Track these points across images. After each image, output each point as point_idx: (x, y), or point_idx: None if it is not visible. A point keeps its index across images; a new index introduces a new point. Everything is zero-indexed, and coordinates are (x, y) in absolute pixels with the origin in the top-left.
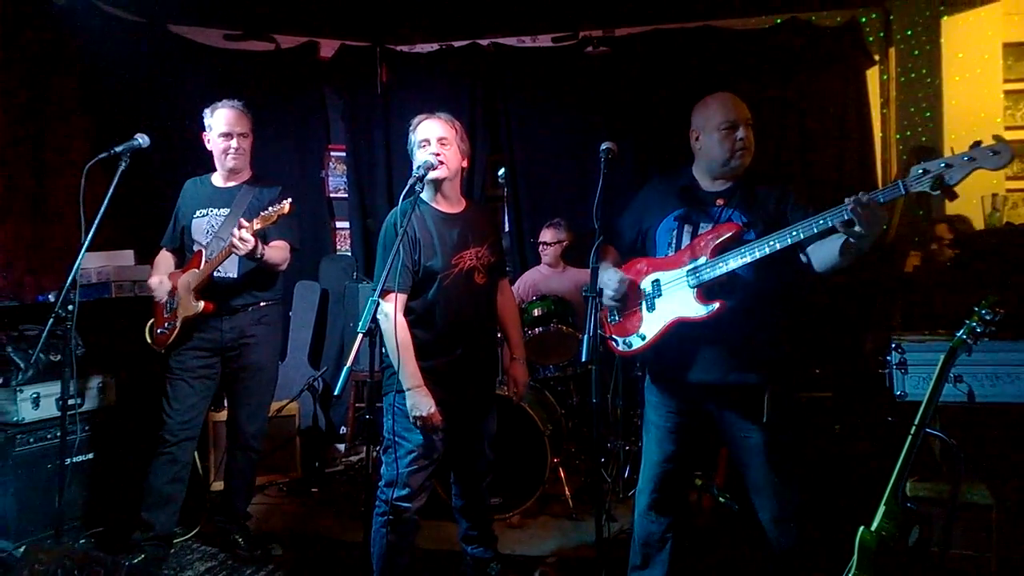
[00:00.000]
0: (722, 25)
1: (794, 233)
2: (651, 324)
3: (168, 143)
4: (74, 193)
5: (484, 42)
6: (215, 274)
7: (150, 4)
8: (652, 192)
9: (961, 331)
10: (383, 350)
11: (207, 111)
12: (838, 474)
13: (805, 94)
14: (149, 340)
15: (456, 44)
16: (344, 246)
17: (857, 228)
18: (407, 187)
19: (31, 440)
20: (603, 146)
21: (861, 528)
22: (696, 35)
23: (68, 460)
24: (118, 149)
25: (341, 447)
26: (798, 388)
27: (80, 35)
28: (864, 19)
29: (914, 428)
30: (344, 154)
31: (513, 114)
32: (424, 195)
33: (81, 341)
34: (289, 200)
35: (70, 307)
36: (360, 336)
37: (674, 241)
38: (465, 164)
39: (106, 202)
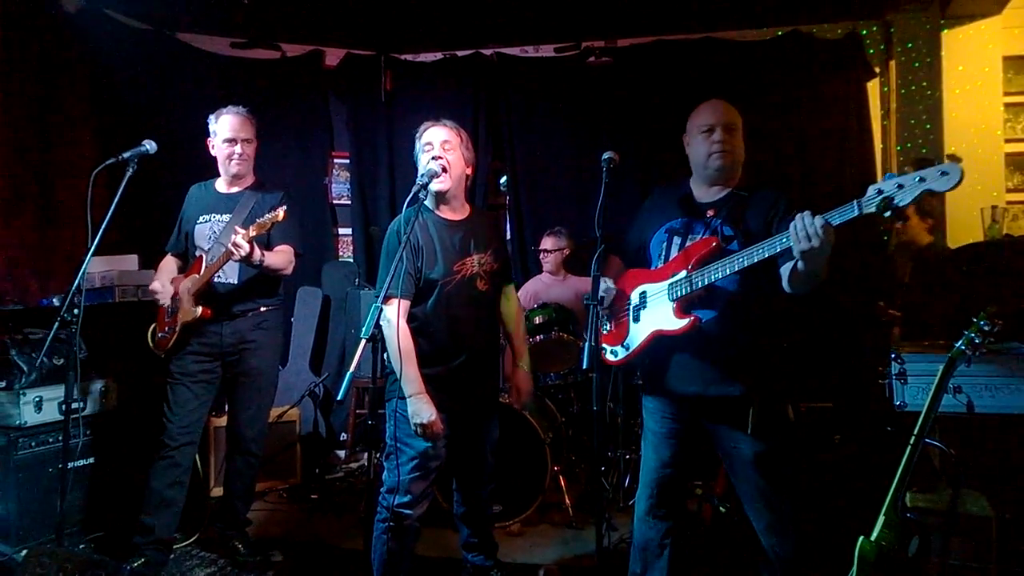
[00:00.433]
0: (723, 37)
1: (759, 251)
2: (635, 335)
3: (174, 149)
4: (80, 198)
5: (487, 52)
6: (215, 279)
7: (158, 12)
8: (652, 203)
9: (960, 342)
10: (385, 356)
11: (212, 117)
12: (837, 484)
13: (806, 106)
14: (151, 344)
15: (460, 53)
16: (346, 253)
17: (802, 246)
18: (411, 194)
19: (33, 444)
20: (604, 156)
21: (861, 538)
22: (697, 47)
23: (71, 464)
24: (125, 155)
25: (341, 453)
26: (794, 399)
27: (89, 43)
28: (865, 32)
29: (913, 438)
30: (347, 161)
31: (515, 123)
32: (428, 202)
33: (84, 345)
34: (284, 208)
35: (75, 311)
36: (363, 342)
37: (663, 253)
38: (469, 171)
39: (113, 207)
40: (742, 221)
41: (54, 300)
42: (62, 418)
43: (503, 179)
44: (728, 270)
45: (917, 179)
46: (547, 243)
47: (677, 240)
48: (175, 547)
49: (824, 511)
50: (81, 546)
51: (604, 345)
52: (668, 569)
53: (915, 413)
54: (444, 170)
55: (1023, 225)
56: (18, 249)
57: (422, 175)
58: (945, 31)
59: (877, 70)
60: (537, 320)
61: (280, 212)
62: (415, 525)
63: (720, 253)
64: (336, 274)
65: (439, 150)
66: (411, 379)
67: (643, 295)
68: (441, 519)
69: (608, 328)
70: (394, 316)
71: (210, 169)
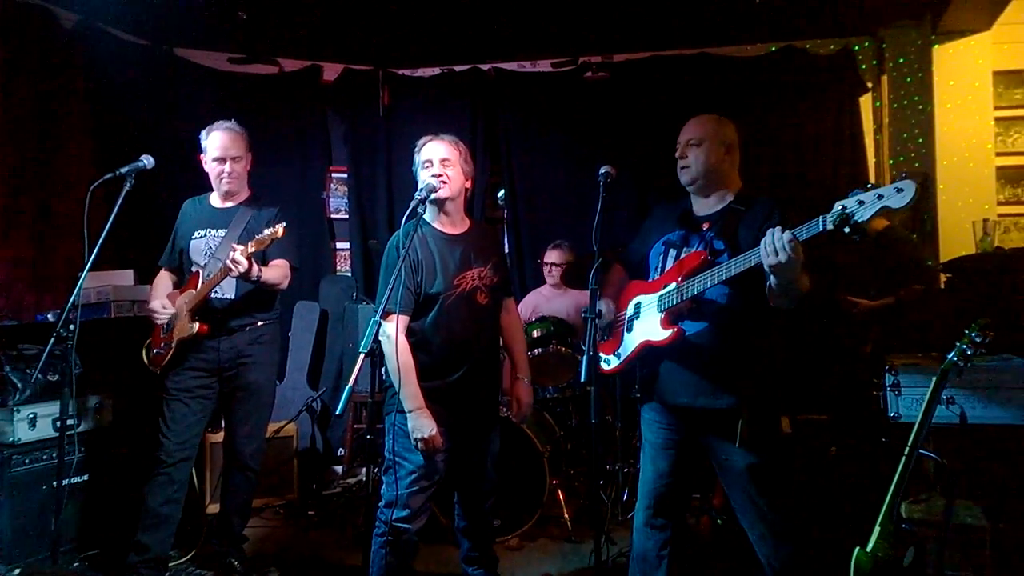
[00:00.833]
0: (719, 53)
1: (737, 264)
2: (626, 345)
3: (171, 165)
4: (76, 213)
5: (485, 67)
6: (212, 295)
7: (156, 28)
8: (654, 216)
9: (952, 353)
10: (383, 370)
11: (203, 133)
12: (834, 495)
13: (800, 120)
14: (145, 360)
15: (457, 68)
16: (344, 267)
17: (770, 260)
18: (409, 209)
19: (27, 461)
20: (602, 170)
21: (857, 549)
22: (693, 62)
23: (66, 481)
24: (123, 170)
25: (339, 469)
26: (788, 412)
27: (86, 58)
28: (857, 47)
29: (908, 449)
30: (345, 175)
31: (513, 137)
32: (427, 216)
33: (79, 361)
34: (283, 224)
35: (71, 327)
36: (362, 356)
37: (660, 265)
38: (468, 185)
39: (110, 222)
40: (734, 234)
41: (49, 316)
42: (56, 435)
43: (501, 193)
44: (710, 282)
45: (876, 196)
46: (553, 256)
47: (673, 252)
48: (171, 565)
49: (820, 522)
50: (75, 564)
51: (600, 354)
52: None
53: (909, 424)
54: (444, 184)
55: (1015, 238)
56: (13, 264)
57: (420, 190)
58: (936, 47)
59: (870, 85)
60: (535, 333)
61: (279, 229)
62: (414, 539)
63: (709, 266)
64: (334, 288)
65: (439, 167)
66: (411, 395)
67: (638, 306)
68: (440, 535)
69: (605, 338)
70: (393, 331)
71: (208, 185)
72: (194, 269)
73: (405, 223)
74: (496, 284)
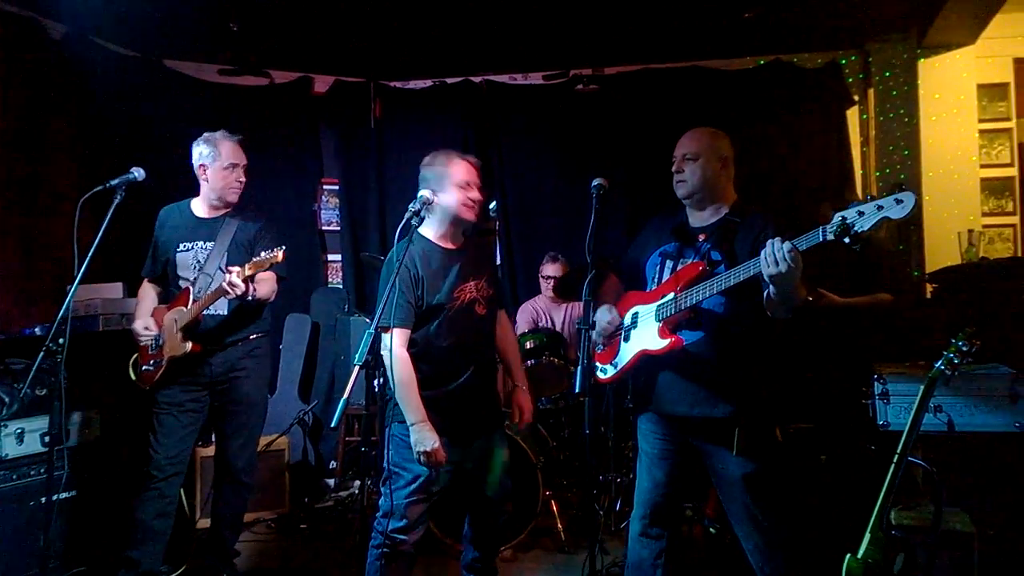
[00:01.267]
0: (708, 65)
1: (736, 274)
2: (623, 355)
3: (162, 177)
4: (65, 226)
5: (477, 79)
6: (205, 312)
7: (146, 39)
8: (649, 228)
9: (939, 362)
10: (381, 381)
11: (204, 141)
12: (824, 503)
13: (788, 132)
14: (133, 377)
15: (449, 81)
16: (336, 279)
17: (771, 270)
18: (403, 222)
19: (14, 476)
20: (594, 182)
21: (847, 556)
22: (683, 75)
23: (56, 497)
24: (114, 182)
25: (331, 482)
26: (780, 421)
27: (76, 69)
28: (844, 61)
29: (897, 457)
30: (337, 187)
31: (505, 149)
32: (426, 231)
33: (67, 375)
34: (283, 249)
35: (61, 340)
36: (356, 368)
37: (657, 275)
38: None
39: (100, 235)
40: (731, 246)
41: (36, 330)
42: (44, 450)
43: (492, 204)
44: (708, 292)
45: (875, 207)
46: (550, 269)
47: (670, 264)
48: None
49: (811, 530)
50: None
51: (596, 363)
52: None
53: (898, 432)
54: (472, 208)
55: (999, 248)
56: (1, 278)
57: (415, 203)
58: (922, 60)
59: (856, 98)
60: (528, 345)
61: (280, 254)
62: (411, 551)
63: (707, 277)
64: (325, 301)
65: (476, 193)
66: (413, 408)
67: (635, 316)
68: (436, 549)
69: (601, 348)
70: (394, 345)
71: (196, 194)
72: (182, 284)
73: (399, 240)
74: (492, 296)
